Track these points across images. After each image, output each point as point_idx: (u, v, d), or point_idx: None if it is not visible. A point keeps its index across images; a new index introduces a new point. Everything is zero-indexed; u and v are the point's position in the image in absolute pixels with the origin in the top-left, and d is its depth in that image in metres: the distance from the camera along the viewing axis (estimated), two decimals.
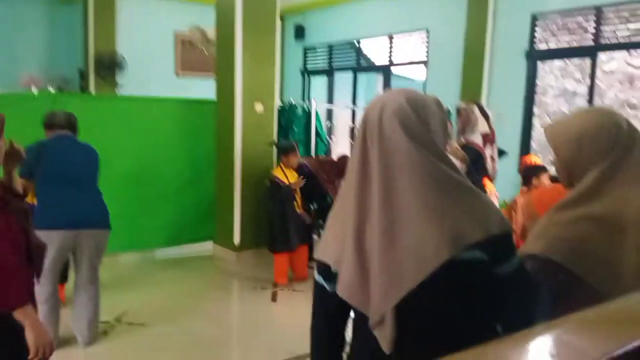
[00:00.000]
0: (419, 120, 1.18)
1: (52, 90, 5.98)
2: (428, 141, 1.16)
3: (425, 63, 7.73)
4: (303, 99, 9.33)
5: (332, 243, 1.22)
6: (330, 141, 7.08)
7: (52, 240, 3.15)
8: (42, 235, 3.13)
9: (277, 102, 5.72)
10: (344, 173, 5.30)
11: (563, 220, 1.33)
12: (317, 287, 1.30)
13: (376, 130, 1.17)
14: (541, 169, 4.07)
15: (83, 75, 8.83)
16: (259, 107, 5.38)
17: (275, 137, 5.61)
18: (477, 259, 1.12)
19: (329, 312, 1.31)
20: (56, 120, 3.48)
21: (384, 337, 1.11)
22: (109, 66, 8.51)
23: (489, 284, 1.16)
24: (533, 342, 0.48)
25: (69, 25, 9.17)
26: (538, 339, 0.49)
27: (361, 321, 1.18)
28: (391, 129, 1.16)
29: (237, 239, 5.44)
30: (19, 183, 2.85)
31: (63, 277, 3.87)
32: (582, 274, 1.25)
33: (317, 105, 6.36)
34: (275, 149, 5.54)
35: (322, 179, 5.22)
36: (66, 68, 9.32)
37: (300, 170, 4.97)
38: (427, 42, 7.68)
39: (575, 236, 1.29)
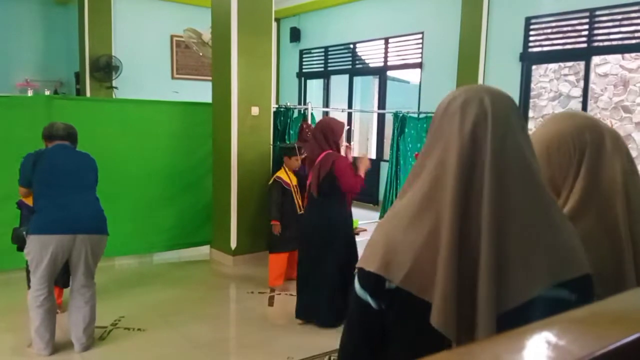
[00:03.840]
0: (524, 122, 1.04)
1: (47, 93, 5.99)
2: (532, 146, 1.03)
3: (420, 66, 7.76)
4: (299, 102, 9.36)
5: (400, 255, 0.99)
6: None
7: (48, 244, 3.17)
8: (38, 239, 3.14)
9: (273, 105, 5.73)
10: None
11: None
12: (359, 303, 1.07)
13: (490, 122, 0.98)
14: None
15: (79, 78, 8.83)
16: (255, 110, 5.39)
17: (271, 140, 5.62)
18: (562, 299, 0.98)
19: (370, 332, 1.10)
20: (55, 131, 3.45)
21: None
22: (104, 69, 8.51)
23: None
24: (518, 342, 0.50)
25: (65, 28, 9.19)
26: (524, 339, 0.51)
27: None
28: (509, 125, 1.00)
29: (233, 243, 5.44)
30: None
31: (65, 283, 3.84)
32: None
33: (313, 108, 6.38)
34: (273, 152, 5.56)
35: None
36: (62, 71, 9.33)
37: (296, 173, 4.97)
38: (422, 45, 7.72)
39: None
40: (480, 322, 0.92)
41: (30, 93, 8.22)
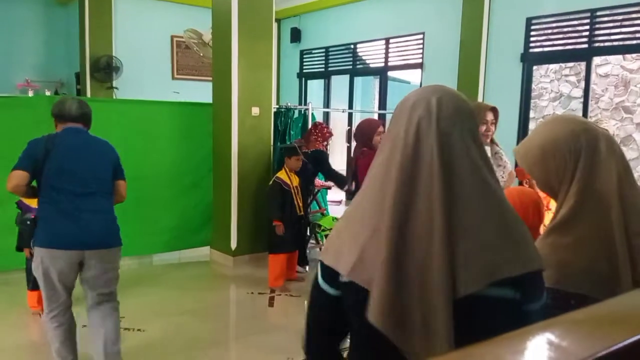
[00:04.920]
0: (475, 121, 1.07)
1: (48, 93, 5.99)
2: (483, 149, 1.05)
3: (421, 66, 7.76)
4: (299, 102, 9.35)
5: (347, 249, 1.04)
6: (327, 145, 7.08)
7: (57, 259, 2.79)
8: (45, 253, 2.80)
9: (274, 106, 5.72)
10: (324, 136, 5.52)
11: (562, 244, 1.30)
12: (320, 292, 1.15)
13: (434, 122, 1.01)
14: None
15: (79, 79, 8.83)
16: (255, 111, 5.39)
17: (272, 140, 5.62)
18: (506, 298, 0.99)
19: (326, 315, 1.19)
20: (67, 110, 2.94)
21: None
22: (105, 69, 8.51)
23: (513, 323, 0.92)
24: (521, 343, 0.49)
25: (66, 29, 9.19)
26: (526, 341, 0.50)
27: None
28: (455, 124, 1.02)
29: (233, 244, 5.44)
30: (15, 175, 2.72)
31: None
32: (590, 293, 1.24)
33: (314, 108, 6.38)
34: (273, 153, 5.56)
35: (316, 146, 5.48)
36: (62, 71, 9.33)
37: (298, 173, 4.96)
38: (422, 45, 7.71)
39: (579, 259, 1.28)
40: (437, 314, 0.94)
41: (31, 94, 8.23)
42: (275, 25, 5.67)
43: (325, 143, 5.77)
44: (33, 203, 3.47)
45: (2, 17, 8.69)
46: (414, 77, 8.92)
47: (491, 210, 1.00)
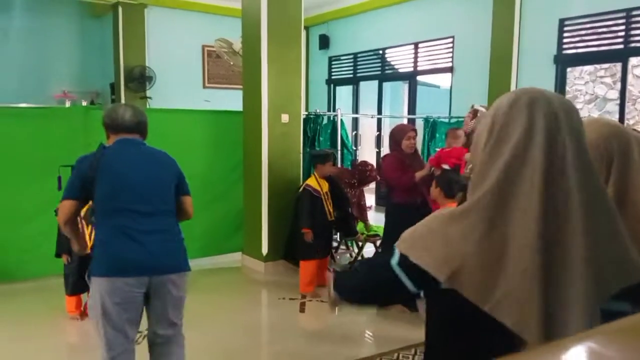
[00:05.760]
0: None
1: (84, 104, 6.14)
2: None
3: (451, 70, 7.69)
4: (328, 109, 9.38)
5: (451, 254, 0.98)
6: (356, 150, 7.08)
7: (115, 290, 2.43)
8: (103, 283, 2.44)
9: (303, 112, 5.75)
10: (363, 179, 5.47)
11: None
12: (394, 281, 1.06)
13: (566, 125, 0.98)
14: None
15: (114, 89, 9.05)
16: (285, 118, 5.43)
17: (301, 147, 5.65)
18: (623, 312, 0.94)
19: (385, 297, 1.19)
20: (120, 119, 2.58)
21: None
22: (139, 79, 8.70)
23: None
24: (562, 352, 0.48)
25: (100, 40, 9.44)
26: (568, 350, 0.49)
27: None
28: (581, 129, 1.02)
29: (265, 249, 5.47)
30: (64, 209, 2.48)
31: (84, 287, 3.30)
32: None
33: (343, 114, 6.38)
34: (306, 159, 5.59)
35: (343, 184, 5.32)
36: (98, 82, 9.58)
37: (328, 178, 4.97)
38: (452, 49, 7.65)
39: None
40: (571, 319, 0.90)
41: (68, 104, 8.46)
42: (303, 32, 5.70)
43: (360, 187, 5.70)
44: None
45: (39, 29, 8.98)
46: (443, 81, 8.84)
47: (609, 217, 0.97)
